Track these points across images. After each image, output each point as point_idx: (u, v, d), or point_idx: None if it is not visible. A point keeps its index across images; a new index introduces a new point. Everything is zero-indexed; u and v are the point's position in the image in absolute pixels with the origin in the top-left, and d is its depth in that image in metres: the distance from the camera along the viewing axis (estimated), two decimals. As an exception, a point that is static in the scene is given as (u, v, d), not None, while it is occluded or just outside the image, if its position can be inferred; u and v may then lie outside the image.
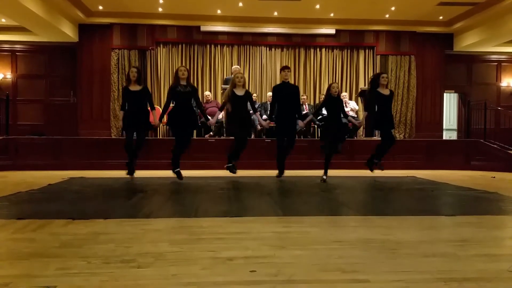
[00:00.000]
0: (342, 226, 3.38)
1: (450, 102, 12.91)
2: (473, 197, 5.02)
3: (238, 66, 10.53)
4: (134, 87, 6.26)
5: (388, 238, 2.90)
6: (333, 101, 6.47)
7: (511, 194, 5.14)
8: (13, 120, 10.77)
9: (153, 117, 6.54)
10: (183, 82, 6.17)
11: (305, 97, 10.48)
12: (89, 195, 4.96)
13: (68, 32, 10.44)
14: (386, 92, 6.61)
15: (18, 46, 11.40)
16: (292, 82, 11.61)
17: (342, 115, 6.59)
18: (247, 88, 6.55)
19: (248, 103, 6.48)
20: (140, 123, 6.28)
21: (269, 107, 9.63)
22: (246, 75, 11.31)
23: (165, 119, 7.50)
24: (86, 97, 11.20)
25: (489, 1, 9.58)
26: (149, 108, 6.57)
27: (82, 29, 11.05)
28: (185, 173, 7.31)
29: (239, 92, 6.30)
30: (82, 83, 11.19)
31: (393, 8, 10.41)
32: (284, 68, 6.54)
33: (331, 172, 7.49)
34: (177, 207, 4.22)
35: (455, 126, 12.89)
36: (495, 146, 9.84)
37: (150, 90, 11.13)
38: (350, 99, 11.18)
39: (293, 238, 2.88)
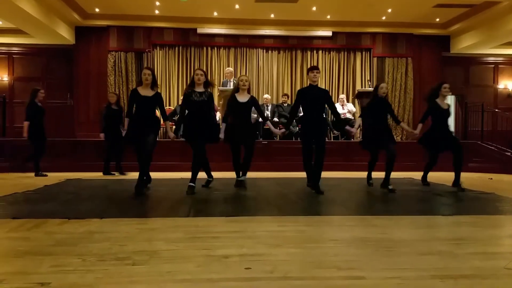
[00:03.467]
0: (338, 225, 3.38)
1: (447, 104, 12.91)
2: (470, 198, 5.03)
3: (231, 68, 10.47)
4: (146, 92, 5.22)
5: (384, 236, 2.90)
6: (380, 103, 5.92)
7: (509, 195, 5.15)
8: (10, 122, 10.73)
9: (167, 129, 5.79)
10: (199, 89, 5.35)
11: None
12: (84, 195, 4.93)
13: (65, 35, 10.44)
14: (444, 105, 5.99)
15: (15, 49, 11.40)
16: (289, 84, 11.66)
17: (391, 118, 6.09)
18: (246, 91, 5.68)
19: (255, 110, 5.70)
20: (147, 133, 5.13)
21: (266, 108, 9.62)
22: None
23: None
24: (83, 99, 11.20)
25: (486, 3, 9.60)
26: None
27: (79, 31, 11.05)
28: (181, 174, 7.31)
29: (242, 98, 5.55)
30: (79, 85, 11.18)
31: (389, 10, 10.43)
32: (312, 69, 5.40)
33: (327, 174, 7.48)
34: (173, 207, 4.20)
35: (452, 128, 12.80)
36: (493, 148, 9.86)
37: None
38: (347, 101, 11.19)
39: (288, 237, 2.87)
